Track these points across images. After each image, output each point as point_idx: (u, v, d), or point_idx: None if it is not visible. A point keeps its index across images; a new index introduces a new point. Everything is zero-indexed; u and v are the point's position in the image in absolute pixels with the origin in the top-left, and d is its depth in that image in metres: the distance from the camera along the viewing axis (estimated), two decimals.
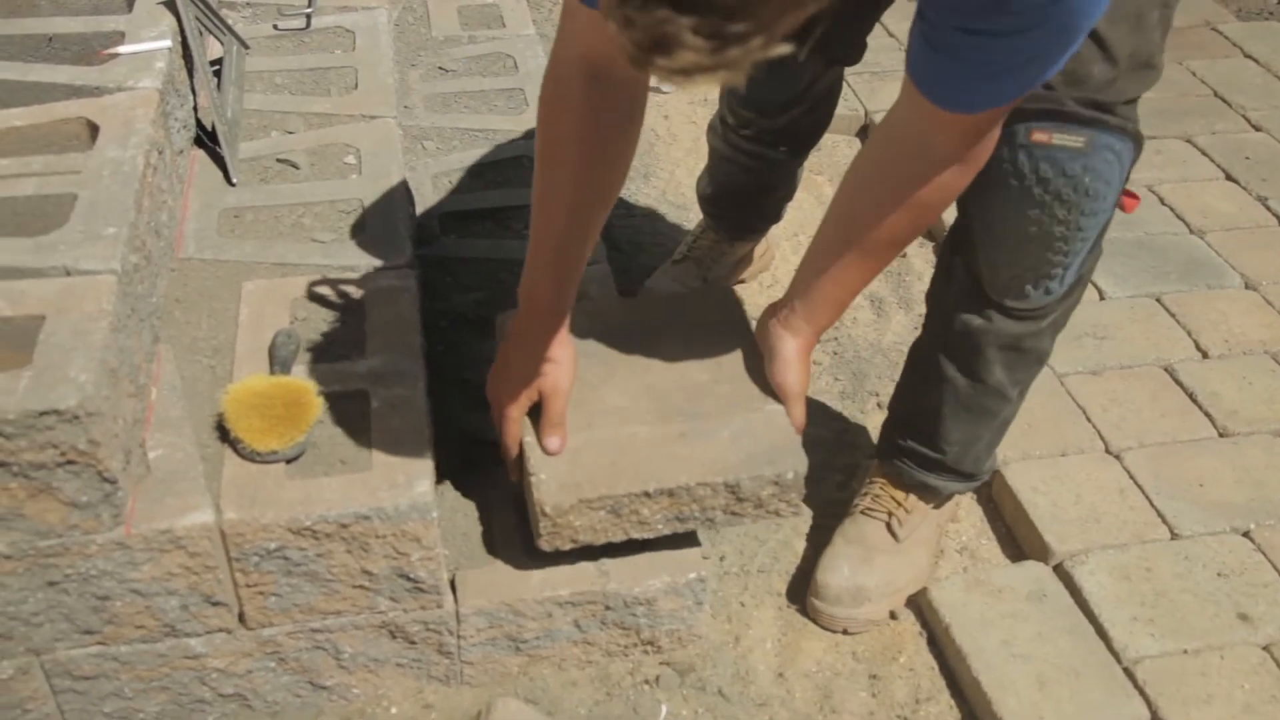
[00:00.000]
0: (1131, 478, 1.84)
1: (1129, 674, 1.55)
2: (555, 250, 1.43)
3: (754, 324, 1.57)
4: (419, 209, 1.97)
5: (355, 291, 1.62)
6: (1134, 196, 1.45)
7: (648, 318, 1.63)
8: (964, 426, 1.62)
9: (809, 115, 1.89)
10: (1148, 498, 1.80)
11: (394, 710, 1.52)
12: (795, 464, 1.43)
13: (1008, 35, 1.09)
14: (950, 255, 1.55)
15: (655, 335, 1.58)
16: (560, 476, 1.41)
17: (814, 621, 1.66)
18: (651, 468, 1.42)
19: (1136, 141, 1.40)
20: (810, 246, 1.47)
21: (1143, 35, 1.34)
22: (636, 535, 1.45)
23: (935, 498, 1.70)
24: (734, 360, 1.55)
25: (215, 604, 1.37)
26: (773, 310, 1.51)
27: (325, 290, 1.62)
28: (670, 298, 1.65)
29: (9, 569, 1.27)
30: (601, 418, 1.47)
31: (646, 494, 1.40)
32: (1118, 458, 1.88)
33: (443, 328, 1.78)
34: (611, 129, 1.39)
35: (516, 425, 1.46)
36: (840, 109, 2.02)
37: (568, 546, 1.43)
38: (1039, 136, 1.35)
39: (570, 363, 1.47)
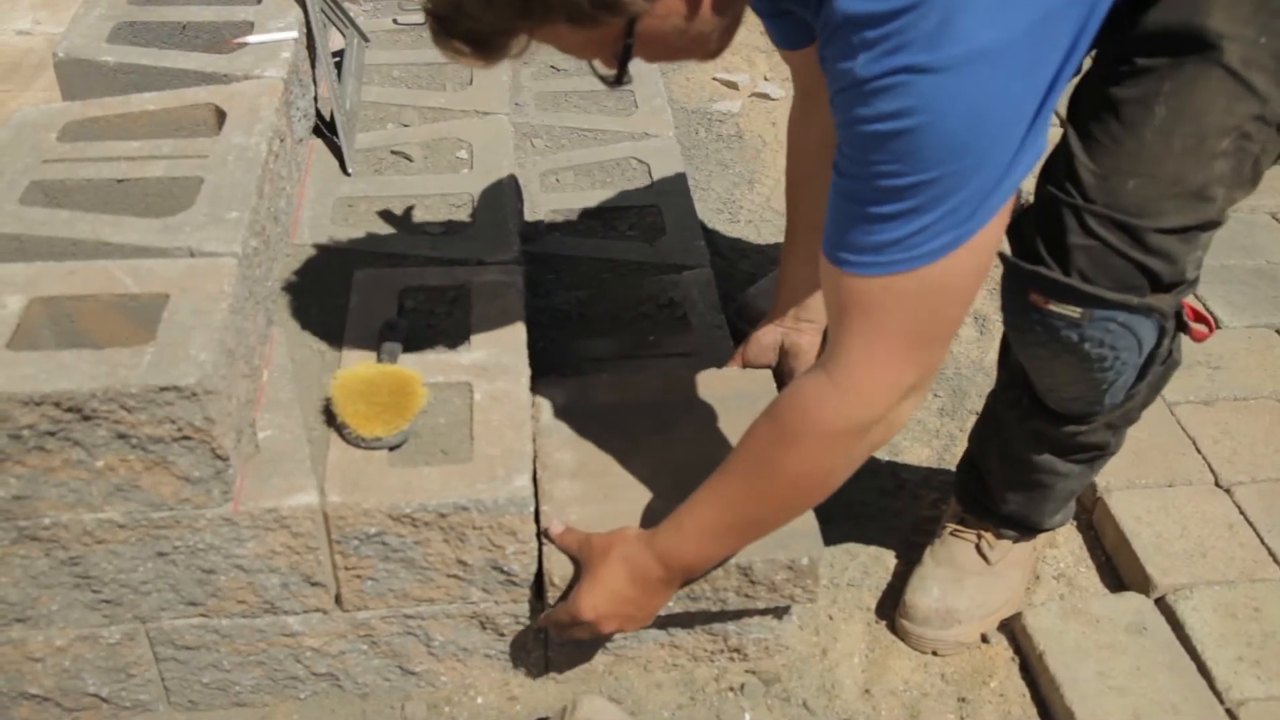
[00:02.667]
0: (1242, 513, 1.78)
1: (1231, 715, 1.50)
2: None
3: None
4: (526, 206, 2.00)
5: (462, 284, 1.64)
6: (1209, 326, 1.34)
7: (681, 394, 1.61)
8: (1019, 495, 1.59)
9: None
10: (1258, 535, 1.74)
11: (480, 700, 1.53)
12: (810, 549, 1.41)
13: (844, 176, 1.07)
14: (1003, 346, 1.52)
15: (687, 412, 1.57)
16: None
17: (902, 641, 1.64)
18: None
19: (1148, 312, 1.27)
20: None
21: (1198, 161, 1.21)
22: None
23: (1008, 539, 1.67)
24: None
25: (314, 584, 1.40)
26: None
27: (433, 282, 1.65)
28: (706, 376, 1.65)
29: (122, 537, 1.31)
30: (620, 490, 1.46)
31: None
32: (1228, 491, 1.82)
33: (544, 324, 1.80)
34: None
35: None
36: None
37: None
38: (1035, 299, 1.28)
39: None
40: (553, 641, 1.51)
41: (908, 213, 1.03)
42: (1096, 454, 1.53)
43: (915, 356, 1.13)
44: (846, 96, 1.02)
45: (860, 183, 1.05)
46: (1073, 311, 1.27)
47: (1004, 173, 1.04)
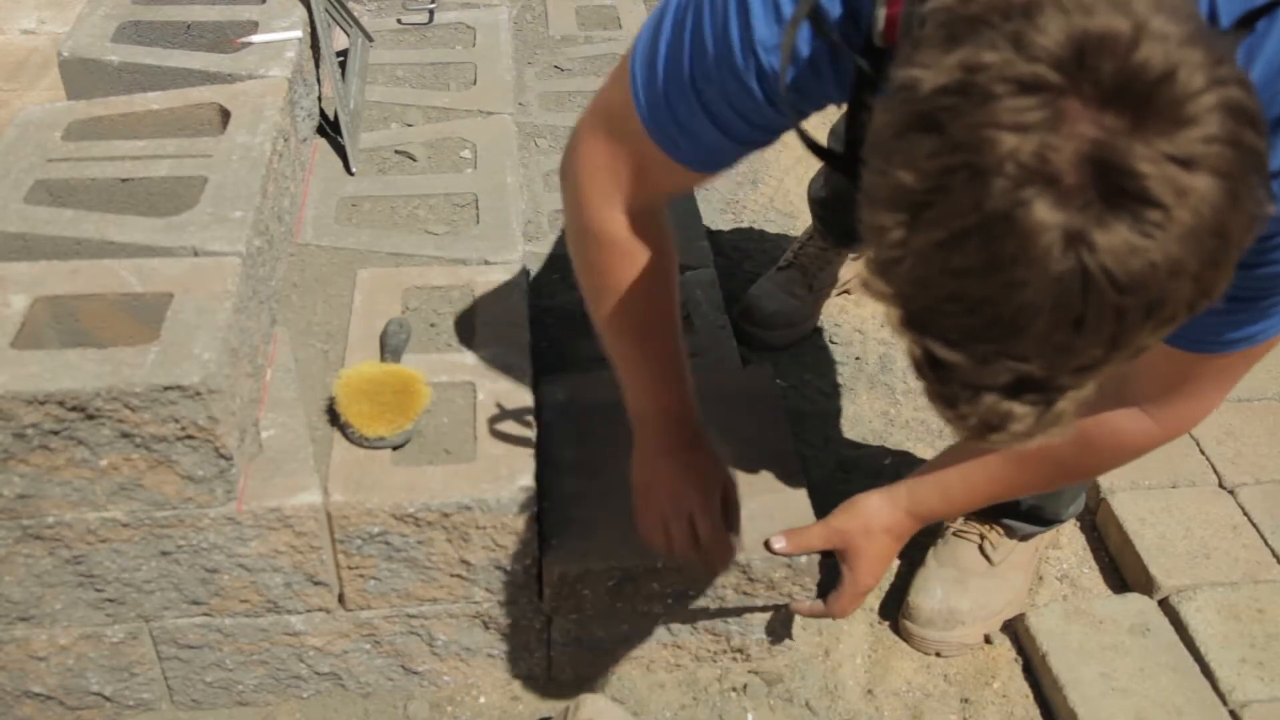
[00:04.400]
0: (1245, 514, 1.78)
1: (1235, 717, 1.50)
2: (673, 361, 1.35)
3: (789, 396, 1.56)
4: (530, 206, 2.00)
5: (466, 284, 1.64)
6: None
7: None
8: None
9: None
10: (1262, 536, 1.74)
11: (482, 700, 1.53)
12: None
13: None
14: None
15: None
16: (571, 545, 1.41)
17: (905, 643, 1.64)
18: None
19: None
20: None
21: None
22: (645, 608, 1.44)
23: (1016, 536, 1.67)
24: (760, 441, 1.54)
25: (317, 584, 1.40)
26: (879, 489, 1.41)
27: (437, 281, 1.65)
28: (707, 375, 1.65)
29: (126, 536, 1.31)
30: (618, 488, 1.46)
31: (655, 568, 1.40)
32: (1231, 493, 1.82)
33: (547, 324, 1.80)
34: (671, 259, 1.32)
35: (715, 526, 1.36)
36: None
37: (574, 615, 1.44)
38: None
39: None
40: (555, 641, 1.51)
41: None
42: None
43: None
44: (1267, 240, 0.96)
45: (1256, 300, 1.03)
46: None
47: None
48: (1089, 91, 0.63)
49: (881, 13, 0.86)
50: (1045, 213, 0.63)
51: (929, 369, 0.75)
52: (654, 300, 1.30)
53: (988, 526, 1.66)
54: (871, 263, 0.70)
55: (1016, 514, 1.63)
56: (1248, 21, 0.79)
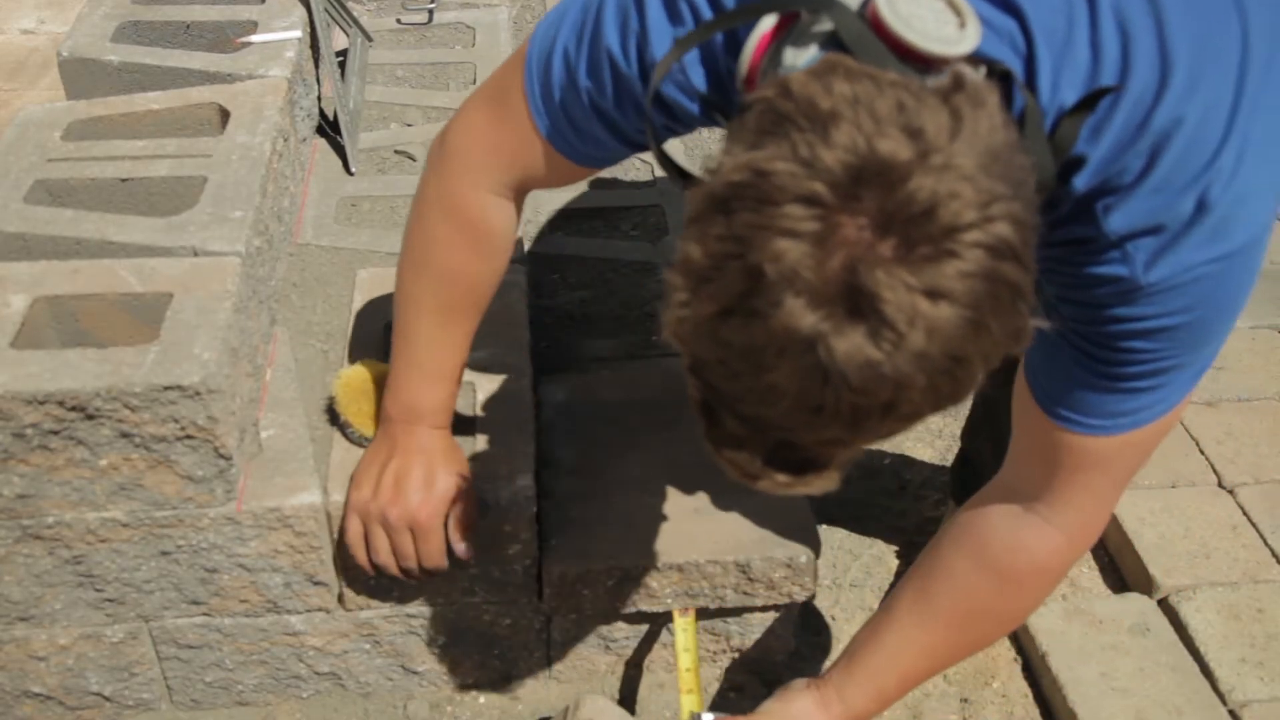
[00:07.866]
0: (1245, 514, 1.78)
1: (1235, 717, 1.50)
2: (461, 356, 1.32)
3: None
4: (529, 206, 2.00)
5: None
6: None
7: (679, 390, 1.61)
8: None
9: None
10: (1262, 536, 1.74)
11: (482, 700, 1.53)
12: (809, 547, 1.42)
13: (1097, 360, 1.02)
14: None
15: (684, 408, 1.56)
16: (571, 545, 1.41)
17: None
18: (662, 541, 1.41)
19: None
20: (879, 607, 1.31)
21: None
22: (645, 608, 1.45)
23: None
24: None
25: (317, 583, 1.40)
26: (813, 681, 1.29)
27: None
28: None
29: (125, 536, 1.31)
30: (618, 488, 1.47)
31: (655, 568, 1.40)
32: (1231, 493, 1.82)
33: (547, 324, 1.80)
34: (506, 261, 1.28)
35: (441, 537, 1.31)
36: None
37: (573, 615, 1.45)
38: None
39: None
40: (555, 641, 1.51)
41: (1164, 384, 1.03)
42: None
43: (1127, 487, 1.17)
44: (1120, 297, 0.97)
45: (1121, 366, 1.02)
46: None
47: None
48: (859, 213, 0.68)
49: (745, 63, 0.85)
50: (797, 315, 0.69)
51: (702, 412, 0.84)
52: (477, 288, 1.27)
53: None
54: (665, 311, 0.77)
55: None
56: (1090, 102, 0.85)
